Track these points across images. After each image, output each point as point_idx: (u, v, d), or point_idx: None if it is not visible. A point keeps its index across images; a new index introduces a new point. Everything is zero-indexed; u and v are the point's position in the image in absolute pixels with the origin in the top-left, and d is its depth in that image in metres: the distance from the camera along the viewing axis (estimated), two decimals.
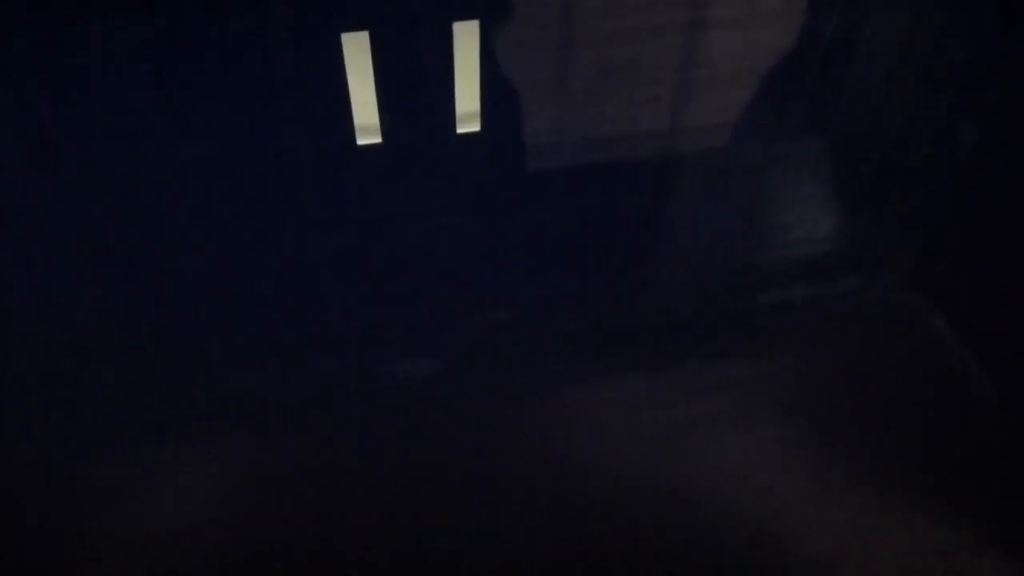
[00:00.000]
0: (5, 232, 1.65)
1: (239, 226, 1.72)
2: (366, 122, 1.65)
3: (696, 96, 1.80)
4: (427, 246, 1.90)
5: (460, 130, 1.71)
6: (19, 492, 1.86)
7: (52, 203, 1.63)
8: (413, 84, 1.64)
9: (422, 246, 1.90)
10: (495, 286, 2.05)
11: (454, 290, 2.03)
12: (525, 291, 2.09)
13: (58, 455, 1.89)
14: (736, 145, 1.91)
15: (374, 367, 2.07)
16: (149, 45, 1.47)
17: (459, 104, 1.67)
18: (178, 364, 1.94)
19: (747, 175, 1.99)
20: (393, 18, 1.56)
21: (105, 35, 1.44)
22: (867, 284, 2.26)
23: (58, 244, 1.68)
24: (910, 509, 1.98)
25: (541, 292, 2.10)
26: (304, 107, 1.61)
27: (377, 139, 1.68)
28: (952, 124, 2.03)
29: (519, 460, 2.04)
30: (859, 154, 2.04)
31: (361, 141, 1.67)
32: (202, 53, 1.50)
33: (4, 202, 1.63)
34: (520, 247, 1.99)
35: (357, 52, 1.58)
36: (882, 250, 2.22)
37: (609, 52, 1.67)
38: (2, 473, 1.84)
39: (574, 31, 1.64)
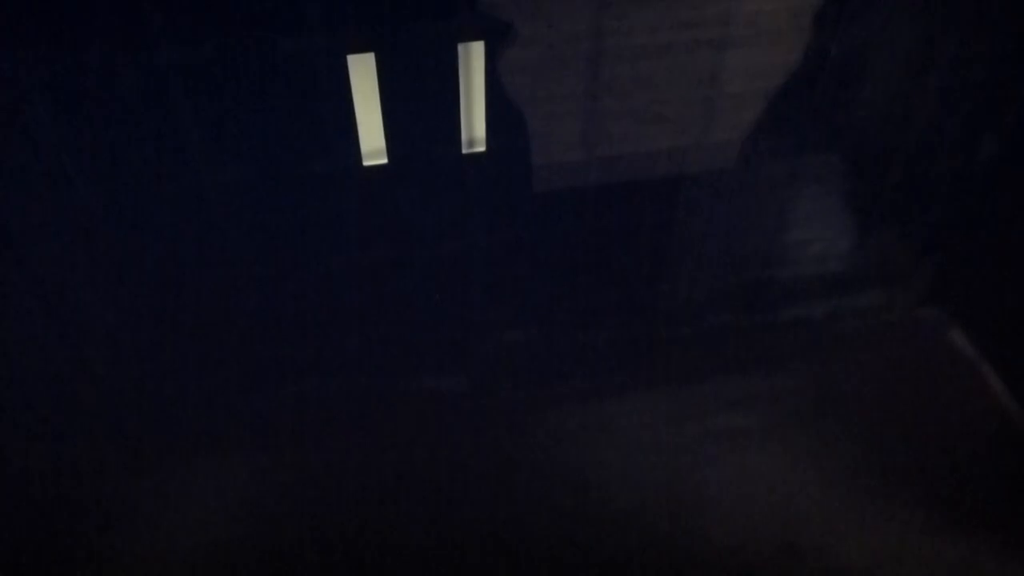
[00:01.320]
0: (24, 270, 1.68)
1: (248, 244, 1.73)
2: (373, 143, 1.66)
3: (709, 114, 1.79)
4: (437, 264, 1.91)
5: (466, 151, 1.71)
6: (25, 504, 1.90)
7: (66, 233, 1.65)
8: (418, 105, 1.64)
9: (432, 264, 1.91)
10: (509, 303, 2.06)
11: (468, 308, 2.03)
12: (541, 308, 2.09)
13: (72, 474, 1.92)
14: (753, 163, 1.91)
15: (391, 383, 2.09)
16: (156, 73, 1.49)
17: (464, 125, 1.68)
18: (195, 386, 1.97)
19: (765, 192, 1.99)
20: (399, 40, 1.57)
21: (114, 64, 1.46)
22: (886, 298, 2.25)
23: (73, 260, 1.70)
24: (933, 520, 1.97)
25: (557, 308, 2.10)
26: (311, 128, 1.62)
27: (383, 160, 1.69)
28: (969, 140, 2.01)
29: (541, 473, 2.05)
30: (877, 171, 2.03)
31: (368, 162, 1.68)
32: (210, 77, 1.51)
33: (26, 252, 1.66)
34: (535, 265, 1.99)
35: (363, 74, 1.59)
36: (901, 265, 2.22)
37: (616, 72, 1.67)
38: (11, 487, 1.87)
39: (579, 52, 1.64)
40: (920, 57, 1.79)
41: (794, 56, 1.71)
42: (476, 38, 1.59)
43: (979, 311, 2.28)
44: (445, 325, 2.04)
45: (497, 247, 1.91)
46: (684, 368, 2.22)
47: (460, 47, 1.59)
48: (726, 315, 2.21)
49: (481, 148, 1.71)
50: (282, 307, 1.88)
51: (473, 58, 1.61)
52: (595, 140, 1.76)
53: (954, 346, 2.27)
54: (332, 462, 2.03)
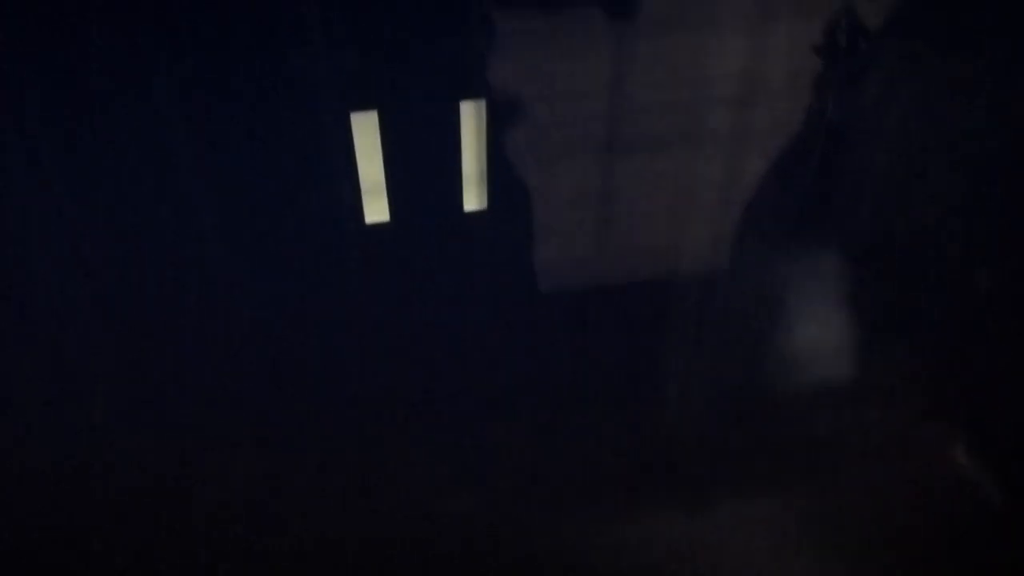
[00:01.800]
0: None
1: (244, 301, 1.71)
2: (374, 200, 1.66)
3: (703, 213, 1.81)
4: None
5: (467, 208, 1.71)
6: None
7: (59, 289, 1.63)
8: (421, 163, 1.65)
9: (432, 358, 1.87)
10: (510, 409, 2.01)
11: (467, 404, 1.99)
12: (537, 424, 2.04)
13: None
14: (747, 265, 1.91)
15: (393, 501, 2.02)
16: (153, 121, 1.49)
17: (466, 182, 1.69)
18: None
19: (762, 304, 1.98)
20: (402, 98, 1.59)
21: (108, 120, 1.47)
22: (886, 414, 2.23)
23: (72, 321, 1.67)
24: None
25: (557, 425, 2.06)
26: (313, 184, 1.62)
27: (385, 217, 1.68)
28: (969, 264, 2.00)
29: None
30: (876, 288, 2.04)
31: (370, 219, 1.67)
32: (211, 128, 1.52)
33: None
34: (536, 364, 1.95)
35: (366, 131, 1.61)
36: (901, 379, 2.20)
37: (620, 130, 1.70)
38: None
39: (582, 110, 1.67)
40: (927, 139, 1.82)
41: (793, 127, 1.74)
42: (479, 96, 1.62)
43: (980, 427, 2.27)
44: (432, 413, 1.99)
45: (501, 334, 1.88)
46: (690, 489, 2.19)
47: (463, 105, 1.62)
48: (730, 433, 2.17)
49: (483, 206, 1.72)
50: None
51: (476, 115, 1.64)
52: (599, 210, 1.78)
53: (955, 461, 2.25)
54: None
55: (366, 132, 1.60)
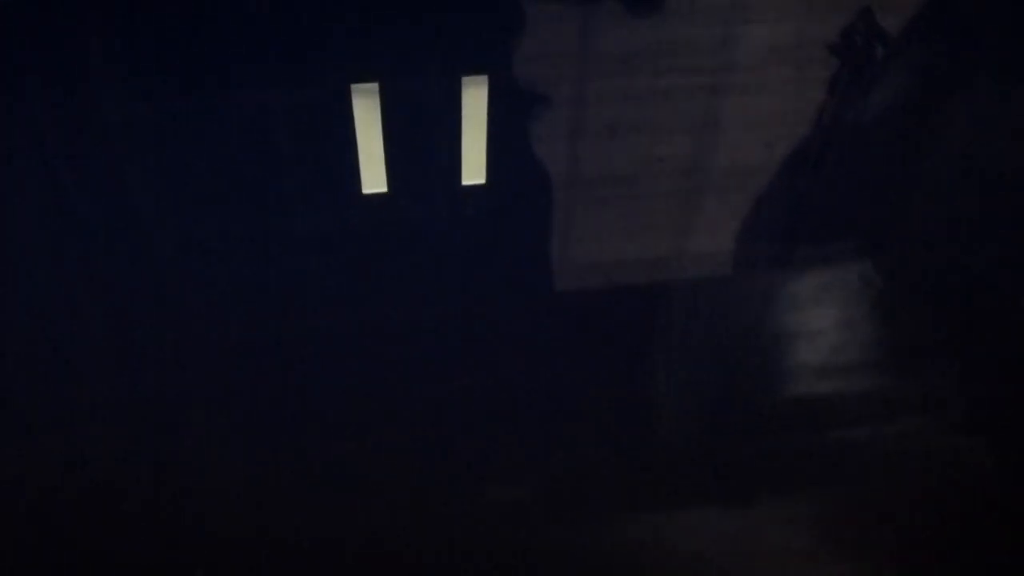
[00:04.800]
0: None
1: (241, 280, 1.76)
2: (373, 172, 1.68)
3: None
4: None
5: (466, 182, 1.72)
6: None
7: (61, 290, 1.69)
8: (421, 136, 1.65)
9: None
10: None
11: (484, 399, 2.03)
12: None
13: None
14: (774, 273, 1.87)
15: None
16: (158, 97, 1.51)
17: (466, 156, 1.69)
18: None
19: (793, 309, 1.96)
20: (403, 71, 1.58)
21: (115, 84, 1.49)
22: (923, 426, 2.24)
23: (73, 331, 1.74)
24: None
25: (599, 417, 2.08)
26: (313, 156, 1.64)
27: (383, 188, 1.70)
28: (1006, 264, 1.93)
29: None
30: (917, 301, 1.98)
31: (367, 190, 1.69)
32: (213, 102, 1.54)
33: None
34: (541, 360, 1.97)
35: (366, 104, 1.61)
36: (938, 393, 2.20)
37: (615, 112, 1.67)
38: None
39: (583, 88, 1.64)
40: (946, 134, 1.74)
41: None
42: (481, 72, 1.60)
43: (1014, 440, 2.26)
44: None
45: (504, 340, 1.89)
46: (734, 487, 2.23)
47: (464, 80, 1.60)
48: (774, 435, 2.19)
49: (481, 180, 1.72)
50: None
51: (477, 91, 1.62)
52: (595, 184, 1.77)
53: (989, 474, 2.26)
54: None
55: (366, 105, 1.60)
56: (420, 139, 1.66)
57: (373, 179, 1.69)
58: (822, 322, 2.04)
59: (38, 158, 1.52)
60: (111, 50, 1.45)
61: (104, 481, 1.92)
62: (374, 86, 1.59)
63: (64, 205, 1.57)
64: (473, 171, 1.71)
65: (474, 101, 1.63)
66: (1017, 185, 1.80)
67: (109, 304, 1.71)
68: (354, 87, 1.58)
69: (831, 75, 1.59)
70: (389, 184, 1.70)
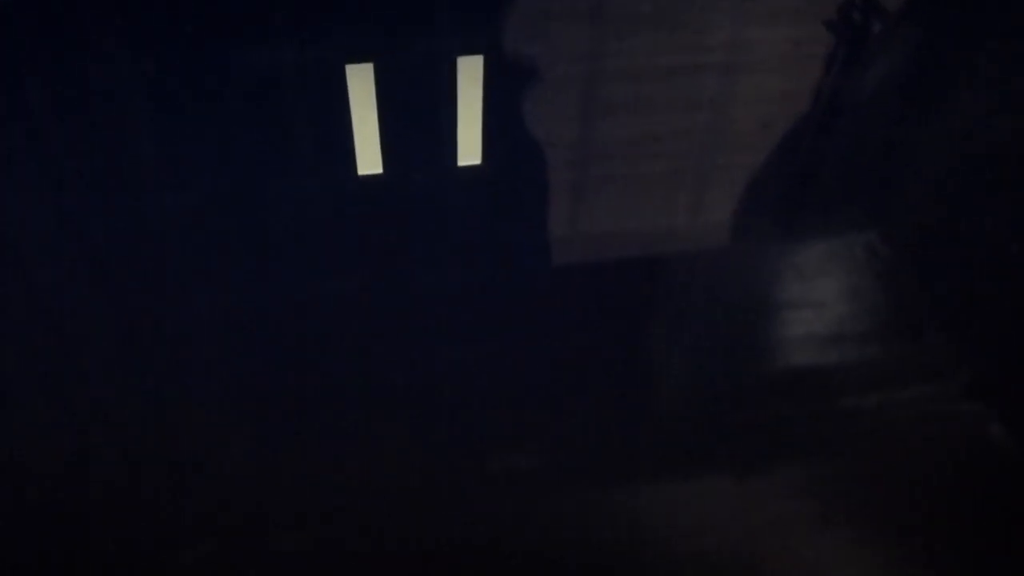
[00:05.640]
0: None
1: (241, 251, 1.76)
2: (368, 152, 1.67)
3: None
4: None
5: (461, 163, 1.71)
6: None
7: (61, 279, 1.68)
8: (416, 116, 1.64)
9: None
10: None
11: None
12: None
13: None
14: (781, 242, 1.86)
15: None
16: (154, 76, 1.50)
17: (461, 137, 1.68)
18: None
19: (803, 278, 1.95)
20: (398, 52, 1.57)
21: (111, 65, 1.48)
22: (928, 393, 2.25)
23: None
24: None
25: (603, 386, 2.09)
26: (308, 136, 1.63)
27: (379, 169, 1.69)
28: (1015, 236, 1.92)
29: (596, 552, 2.07)
30: (922, 271, 1.97)
31: (363, 171, 1.69)
32: (209, 82, 1.53)
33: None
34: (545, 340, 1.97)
35: (361, 84, 1.59)
36: (942, 360, 2.20)
37: (612, 90, 1.65)
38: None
39: (576, 69, 1.63)
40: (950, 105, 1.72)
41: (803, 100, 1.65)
42: (475, 52, 1.59)
43: (1018, 405, 2.26)
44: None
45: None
46: (743, 454, 2.23)
47: (460, 60, 1.59)
48: (781, 403, 2.20)
49: (476, 161, 1.71)
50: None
51: (473, 71, 1.61)
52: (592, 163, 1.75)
53: (993, 438, 2.29)
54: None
55: (361, 84, 1.59)
56: (416, 120, 1.65)
57: (368, 161, 1.68)
58: (826, 293, 2.04)
59: (34, 152, 1.52)
60: (106, 27, 1.44)
61: (104, 481, 1.94)
62: (368, 66, 1.58)
63: (58, 200, 1.57)
64: (469, 152, 1.70)
65: (470, 82, 1.62)
66: (1018, 155, 1.78)
67: (97, 284, 1.72)
68: (349, 67, 1.58)
69: (831, 49, 1.57)
70: (384, 166, 1.69)
